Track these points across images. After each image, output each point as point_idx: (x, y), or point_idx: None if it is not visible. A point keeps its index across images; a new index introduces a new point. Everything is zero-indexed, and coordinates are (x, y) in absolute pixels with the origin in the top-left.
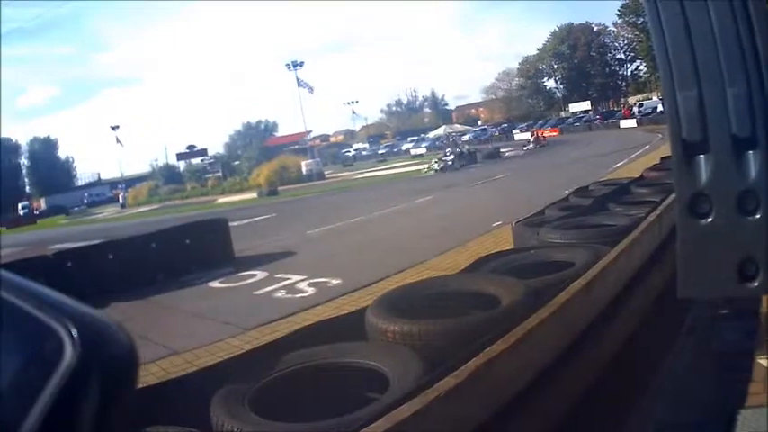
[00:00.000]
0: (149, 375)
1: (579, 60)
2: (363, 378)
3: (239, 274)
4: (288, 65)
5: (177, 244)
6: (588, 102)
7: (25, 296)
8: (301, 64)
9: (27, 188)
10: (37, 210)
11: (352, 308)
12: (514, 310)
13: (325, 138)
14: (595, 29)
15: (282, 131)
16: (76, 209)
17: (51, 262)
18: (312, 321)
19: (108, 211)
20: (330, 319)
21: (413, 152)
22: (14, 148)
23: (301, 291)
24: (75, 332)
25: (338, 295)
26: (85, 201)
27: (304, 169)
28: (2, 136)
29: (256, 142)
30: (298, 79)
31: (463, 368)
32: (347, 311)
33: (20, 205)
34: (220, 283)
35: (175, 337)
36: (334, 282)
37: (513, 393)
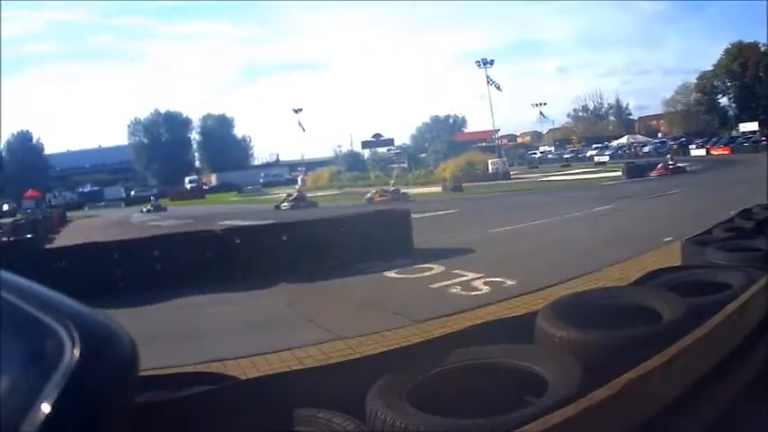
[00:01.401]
0: (309, 359)
1: (748, 79)
2: (524, 381)
3: (416, 266)
4: (478, 62)
5: (357, 231)
6: (756, 122)
7: (26, 297)
8: (491, 62)
9: (197, 163)
10: (207, 185)
11: (523, 310)
12: (673, 328)
13: (512, 138)
14: (762, 49)
15: (470, 128)
16: (250, 188)
17: (219, 237)
18: (483, 320)
19: (285, 193)
20: (500, 320)
21: (596, 159)
22: (185, 123)
23: (476, 288)
24: (75, 332)
25: (511, 296)
26: (261, 180)
27: (490, 167)
28: (174, 111)
29: (444, 136)
30: (488, 77)
31: (617, 381)
32: (518, 313)
33: (187, 179)
34: (396, 273)
35: (342, 322)
36: (509, 282)
37: (658, 409)
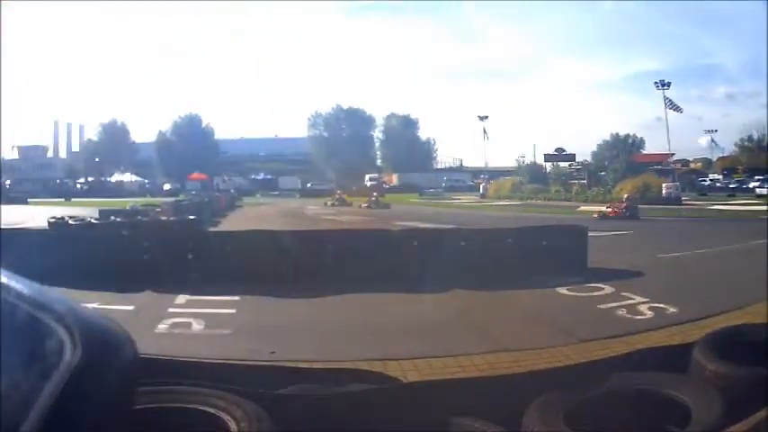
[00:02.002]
0: (471, 367)
1: None
2: (672, 410)
3: (588, 284)
4: (656, 83)
5: (533, 244)
6: None
7: (26, 297)
8: (668, 84)
9: (378, 161)
10: (387, 184)
11: (681, 339)
12: None
13: (685, 163)
14: None
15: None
16: (431, 190)
17: (395, 237)
18: (643, 345)
19: (466, 199)
20: (659, 347)
21: (758, 191)
22: (368, 120)
23: (641, 313)
24: (75, 333)
25: (673, 323)
26: (443, 184)
27: (664, 191)
28: (357, 107)
29: (623, 156)
30: (665, 99)
31: (754, 416)
32: (676, 342)
33: (367, 176)
34: (568, 290)
35: (508, 333)
36: (672, 309)
37: None
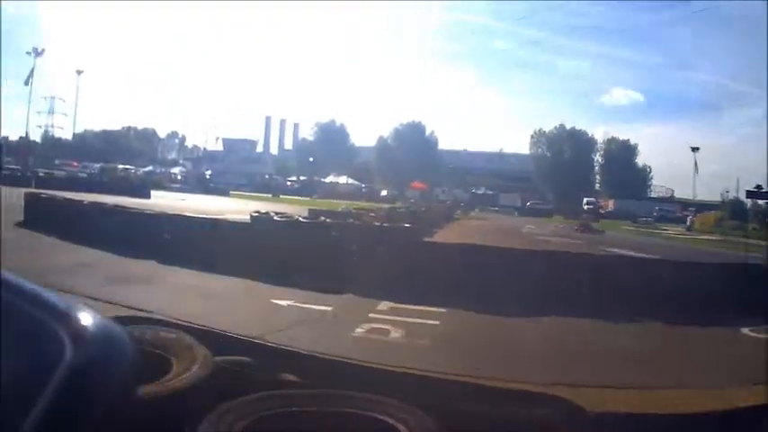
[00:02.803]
0: (653, 401)
1: None
2: None
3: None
4: None
5: (728, 281)
6: None
7: (27, 297)
8: None
9: (597, 186)
10: (603, 209)
11: None
12: None
13: None
14: None
15: None
16: (643, 219)
17: (602, 263)
18: None
19: (672, 230)
20: None
21: None
22: (589, 143)
23: None
24: (75, 333)
25: None
26: (654, 214)
27: None
28: (580, 129)
29: None
30: None
31: None
32: None
33: (585, 200)
34: (750, 331)
35: (689, 370)
36: None
37: None
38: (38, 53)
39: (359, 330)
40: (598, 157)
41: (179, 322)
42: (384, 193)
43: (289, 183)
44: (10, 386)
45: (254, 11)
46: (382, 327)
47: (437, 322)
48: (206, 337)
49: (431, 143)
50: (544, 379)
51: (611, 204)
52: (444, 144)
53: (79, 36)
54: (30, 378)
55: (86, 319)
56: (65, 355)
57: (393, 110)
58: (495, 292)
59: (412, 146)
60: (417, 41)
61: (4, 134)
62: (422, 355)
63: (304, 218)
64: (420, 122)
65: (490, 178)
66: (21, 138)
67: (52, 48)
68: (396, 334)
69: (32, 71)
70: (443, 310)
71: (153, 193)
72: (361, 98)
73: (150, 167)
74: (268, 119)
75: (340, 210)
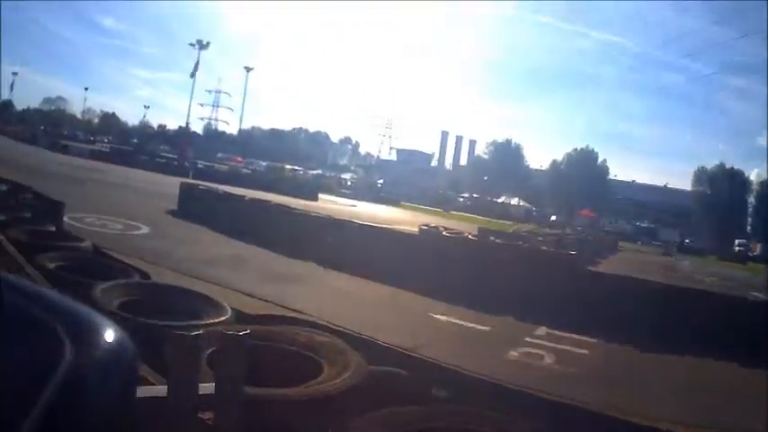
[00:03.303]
0: None
1: None
2: None
3: None
4: None
5: None
6: None
7: (26, 297)
8: None
9: (749, 228)
10: (752, 252)
11: None
12: None
13: None
14: None
15: None
16: None
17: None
18: None
19: None
20: None
21: None
22: (745, 183)
23: None
24: (75, 333)
25: None
26: None
27: None
28: (737, 168)
29: None
30: None
31: None
32: None
33: (737, 241)
34: None
35: None
36: None
37: None
38: (202, 46)
39: (513, 353)
40: (752, 199)
41: (334, 326)
42: (554, 217)
43: (461, 199)
44: (10, 386)
45: (441, 25)
46: (537, 352)
47: (586, 351)
48: (360, 344)
49: (601, 172)
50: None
51: (758, 248)
52: (614, 173)
53: (253, 33)
54: (30, 378)
55: (86, 318)
56: (65, 355)
57: (567, 134)
58: (650, 327)
59: (583, 173)
60: (594, 70)
61: (162, 122)
62: (566, 383)
63: (473, 236)
64: (593, 150)
65: (653, 212)
66: (180, 127)
67: (221, 42)
68: (548, 360)
69: (197, 64)
70: (594, 340)
71: (321, 196)
72: (537, 121)
73: (319, 171)
74: (445, 133)
75: (510, 231)
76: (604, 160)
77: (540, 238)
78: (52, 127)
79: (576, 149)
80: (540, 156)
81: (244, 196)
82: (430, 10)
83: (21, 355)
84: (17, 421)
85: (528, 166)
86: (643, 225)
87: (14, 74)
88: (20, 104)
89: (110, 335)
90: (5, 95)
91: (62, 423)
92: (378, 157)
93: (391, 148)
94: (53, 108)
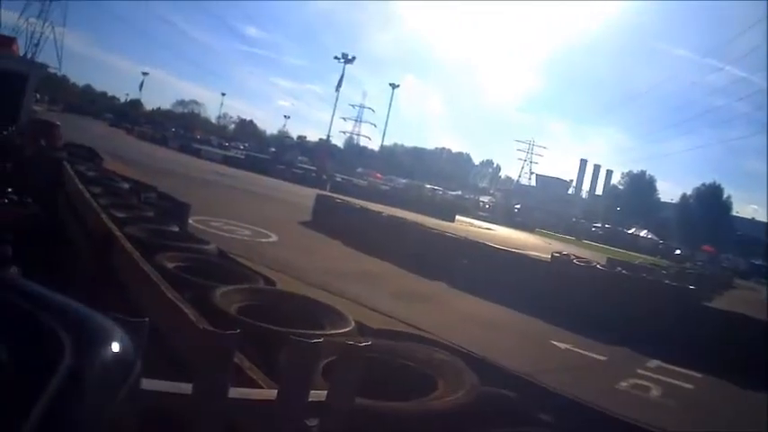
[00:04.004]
0: None
1: None
2: None
3: None
4: None
5: None
6: None
7: (26, 297)
8: None
9: None
10: None
11: None
12: None
13: None
14: None
15: None
16: None
17: None
18: None
19: None
20: None
21: None
22: None
23: None
24: (75, 333)
25: None
26: None
27: None
28: None
29: None
30: None
31: None
32: None
33: None
34: None
35: None
36: None
37: None
38: (348, 60)
39: (623, 384)
40: None
41: (454, 346)
42: (678, 251)
43: (593, 228)
44: (10, 387)
45: (582, 55)
46: (645, 384)
47: (691, 386)
48: (478, 364)
49: (725, 207)
50: None
51: None
52: (736, 209)
53: (400, 50)
54: (30, 378)
55: (87, 319)
56: (64, 356)
57: (697, 167)
58: (758, 366)
59: (709, 209)
60: (727, 105)
61: (302, 134)
62: (666, 415)
63: (602, 266)
64: (719, 186)
65: None
66: (320, 139)
67: (366, 57)
68: (655, 393)
69: (341, 78)
70: (699, 375)
71: (458, 218)
72: (670, 152)
73: (459, 192)
74: (583, 161)
75: (636, 263)
76: (729, 196)
77: (664, 272)
78: (184, 129)
79: (704, 185)
80: (670, 188)
81: (380, 212)
82: (575, 40)
83: (21, 357)
84: (17, 423)
85: (659, 199)
86: (757, 263)
87: (145, 74)
88: (149, 105)
89: (111, 336)
90: (135, 95)
91: (62, 425)
92: (518, 181)
93: (532, 173)
94: (185, 111)
